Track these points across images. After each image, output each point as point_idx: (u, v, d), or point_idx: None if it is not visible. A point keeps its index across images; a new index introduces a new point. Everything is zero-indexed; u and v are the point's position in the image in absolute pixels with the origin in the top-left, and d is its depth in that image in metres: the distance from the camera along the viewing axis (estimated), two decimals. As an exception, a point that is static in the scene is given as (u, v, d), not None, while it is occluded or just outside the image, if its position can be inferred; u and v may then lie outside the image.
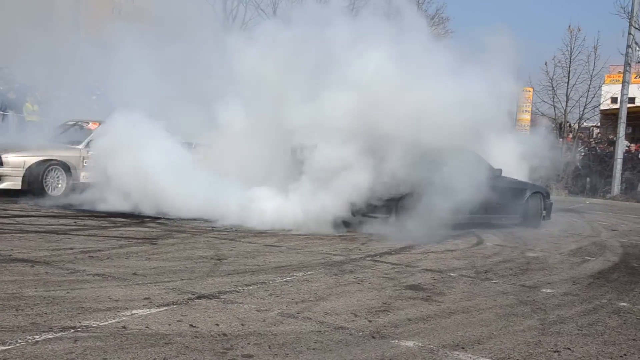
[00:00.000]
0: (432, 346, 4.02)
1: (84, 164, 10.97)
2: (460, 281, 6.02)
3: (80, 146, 11.17)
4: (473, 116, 8.67)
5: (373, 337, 4.13)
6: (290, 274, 5.81)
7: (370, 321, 4.47)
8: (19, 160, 10.41)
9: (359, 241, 8.11)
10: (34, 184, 10.41)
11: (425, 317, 4.66)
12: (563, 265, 7.32)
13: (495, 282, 6.06)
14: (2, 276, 5.08)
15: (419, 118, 8.38)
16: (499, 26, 9.78)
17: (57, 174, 10.74)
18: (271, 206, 8.77)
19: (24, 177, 10.38)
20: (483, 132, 9.73)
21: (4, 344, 3.56)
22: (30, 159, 10.51)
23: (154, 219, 8.91)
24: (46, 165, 10.59)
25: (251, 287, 5.21)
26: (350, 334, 4.16)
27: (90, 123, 11.78)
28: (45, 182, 10.56)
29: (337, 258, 6.79)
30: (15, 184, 10.35)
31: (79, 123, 11.99)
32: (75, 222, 8.26)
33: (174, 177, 9.12)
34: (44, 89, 16.59)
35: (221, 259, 6.32)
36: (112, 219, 8.77)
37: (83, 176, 10.96)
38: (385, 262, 6.72)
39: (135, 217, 8.95)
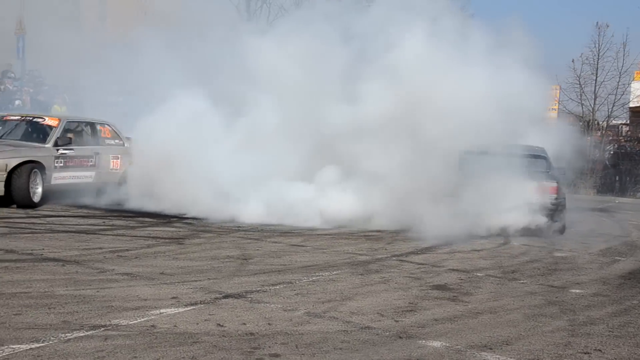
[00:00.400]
0: (459, 346, 3.99)
1: (56, 165, 9.68)
2: (486, 281, 5.97)
3: (49, 145, 9.76)
4: (515, 110, 8.72)
5: (400, 337, 4.12)
6: (316, 274, 5.83)
7: (396, 321, 4.47)
8: (1, 163, 8.94)
9: (385, 241, 8.09)
10: (18, 189, 8.98)
11: (452, 317, 4.63)
12: (592, 266, 7.22)
13: (522, 283, 6.00)
14: (35, 275, 5.18)
15: (463, 113, 8.40)
16: (514, 19, 9.73)
17: (36, 177, 9.29)
18: (330, 204, 8.89)
19: (5, 182, 8.89)
20: (523, 125, 9.70)
21: (37, 341, 3.63)
22: (12, 161, 9.05)
23: (180, 218, 9.00)
24: (30, 167, 9.20)
25: (277, 287, 5.23)
26: (377, 334, 4.16)
27: (47, 118, 10.38)
28: (30, 188, 9.16)
29: (363, 258, 6.78)
30: None
31: (27, 118, 10.52)
32: (103, 222, 8.38)
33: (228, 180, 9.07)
34: (73, 91, 16.85)
35: (247, 259, 6.36)
36: (140, 218, 8.88)
37: (54, 178, 9.64)
38: (411, 262, 6.69)
39: (162, 217, 9.04)
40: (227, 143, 9.67)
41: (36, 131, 10.12)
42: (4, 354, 3.41)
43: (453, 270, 6.40)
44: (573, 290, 5.76)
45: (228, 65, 10.46)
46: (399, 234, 8.57)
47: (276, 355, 3.65)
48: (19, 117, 10.62)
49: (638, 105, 29.12)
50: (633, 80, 29.90)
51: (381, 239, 8.24)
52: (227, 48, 10.60)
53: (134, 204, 9.75)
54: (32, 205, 9.14)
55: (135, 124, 10.49)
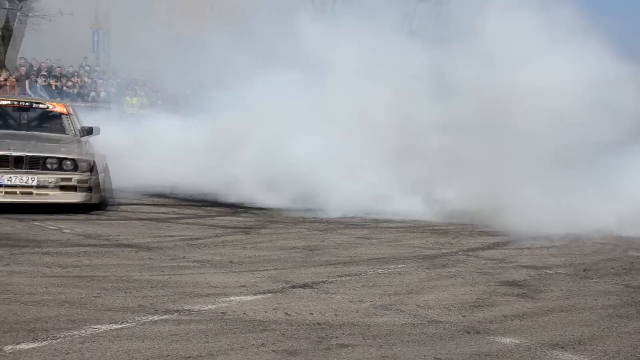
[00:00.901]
0: (529, 344, 3.91)
1: None
2: (557, 279, 5.82)
3: (77, 135, 8.52)
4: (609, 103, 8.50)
5: (467, 332, 4.08)
6: (383, 267, 5.82)
7: (464, 316, 4.42)
8: (84, 163, 7.78)
9: (451, 235, 7.99)
10: (97, 189, 7.87)
11: (522, 314, 4.54)
12: (671, 266, 6.90)
13: (595, 281, 5.81)
14: (111, 260, 5.41)
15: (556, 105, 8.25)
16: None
17: None
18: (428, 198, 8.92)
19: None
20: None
21: (116, 322, 3.80)
22: (99, 160, 8.05)
23: (247, 209, 9.16)
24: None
25: (344, 278, 5.27)
26: (444, 328, 4.13)
27: (50, 104, 8.83)
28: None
29: (429, 252, 6.73)
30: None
31: (24, 103, 8.92)
32: (174, 211, 8.64)
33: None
34: (146, 83, 17.43)
35: (313, 250, 6.42)
36: (208, 208, 9.11)
37: None
38: (478, 257, 6.59)
39: (229, 207, 9.22)
40: (303, 130, 9.42)
41: (46, 119, 8.68)
42: (86, 333, 3.58)
43: (522, 266, 6.26)
44: (650, 291, 5.53)
45: (298, 53, 10.40)
46: (465, 229, 8.45)
47: (344, 346, 3.68)
48: (13, 102, 8.88)
49: None
50: None
51: (447, 233, 8.14)
52: (297, 36, 10.57)
53: (201, 192, 9.93)
54: (99, 206, 8.09)
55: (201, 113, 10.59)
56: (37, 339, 3.47)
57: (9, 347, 3.34)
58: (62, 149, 7.88)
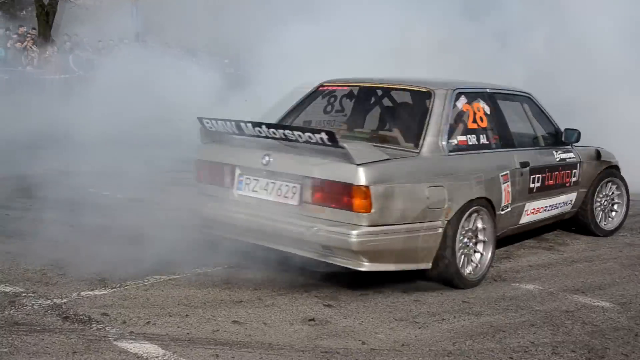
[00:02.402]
0: (552, 290, 4.23)
1: None
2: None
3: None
4: None
5: (495, 280, 4.40)
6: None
7: (491, 267, 4.72)
8: None
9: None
10: None
11: (547, 265, 4.84)
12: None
13: (622, 235, 6.00)
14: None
15: None
16: None
17: None
18: None
19: None
20: None
21: (174, 274, 4.23)
22: None
23: None
24: None
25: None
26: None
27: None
28: None
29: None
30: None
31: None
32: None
33: None
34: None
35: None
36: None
37: None
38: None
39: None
40: None
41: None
42: (148, 283, 4.03)
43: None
44: (676, 243, 5.71)
45: None
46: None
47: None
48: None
49: None
50: None
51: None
52: None
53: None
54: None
55: None
56: (107, 287, 3.92)
57: (85, 293, 3.81)
58: None
